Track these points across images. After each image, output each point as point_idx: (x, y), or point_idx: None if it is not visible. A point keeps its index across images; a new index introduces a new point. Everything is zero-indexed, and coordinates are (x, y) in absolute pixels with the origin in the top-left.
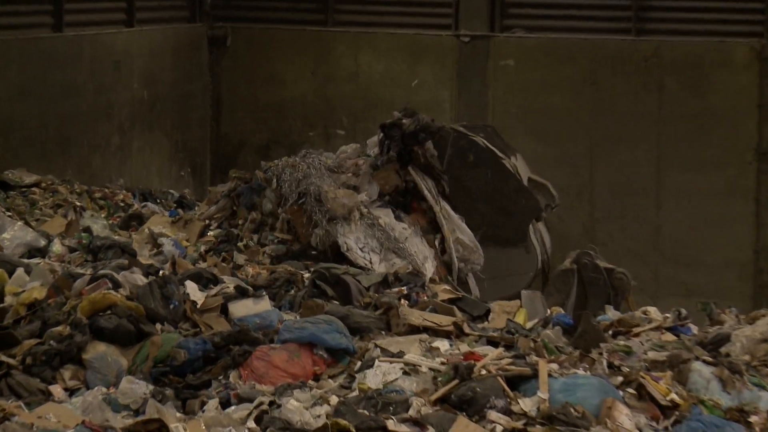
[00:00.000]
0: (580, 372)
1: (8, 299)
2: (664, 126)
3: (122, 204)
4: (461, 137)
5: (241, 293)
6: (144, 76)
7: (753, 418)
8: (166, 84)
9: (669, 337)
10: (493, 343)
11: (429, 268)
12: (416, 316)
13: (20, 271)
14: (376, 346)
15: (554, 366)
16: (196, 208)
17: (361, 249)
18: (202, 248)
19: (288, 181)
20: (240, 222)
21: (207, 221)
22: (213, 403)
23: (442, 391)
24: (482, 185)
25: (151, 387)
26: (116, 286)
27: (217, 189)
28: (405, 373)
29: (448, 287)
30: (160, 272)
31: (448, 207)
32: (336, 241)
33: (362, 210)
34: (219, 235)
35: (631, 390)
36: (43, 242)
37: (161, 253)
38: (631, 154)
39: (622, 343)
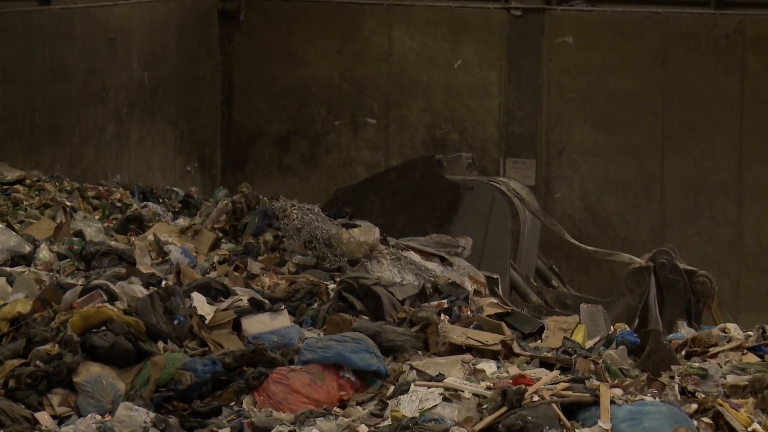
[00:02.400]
0: (648, 398)
1: None
2: (746, 113)
3: (119, 204)
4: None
5: (256, 307)
6: (144, 55)
7: None
8: (170, 65)
9: (751, 358)
10: (547, 364)
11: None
12: (458, 334)
13: (2, 281)
14: (412, 368)
15: (618, 391)
16: (198, 213)
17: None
18: (215, 259)
19: (287, 230)
20: (252, 241)
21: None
22: None
23: (487, 420)
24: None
25: (152, 414)
26: (112, 298)
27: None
28: (445, 399)
29: (495, 300)
30: (163, 283)
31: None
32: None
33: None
34: (234, 250)
35: (706, 419)
36: (28, 248)
37: (167, 262)
38: (707, 146)
39: (696, 365)
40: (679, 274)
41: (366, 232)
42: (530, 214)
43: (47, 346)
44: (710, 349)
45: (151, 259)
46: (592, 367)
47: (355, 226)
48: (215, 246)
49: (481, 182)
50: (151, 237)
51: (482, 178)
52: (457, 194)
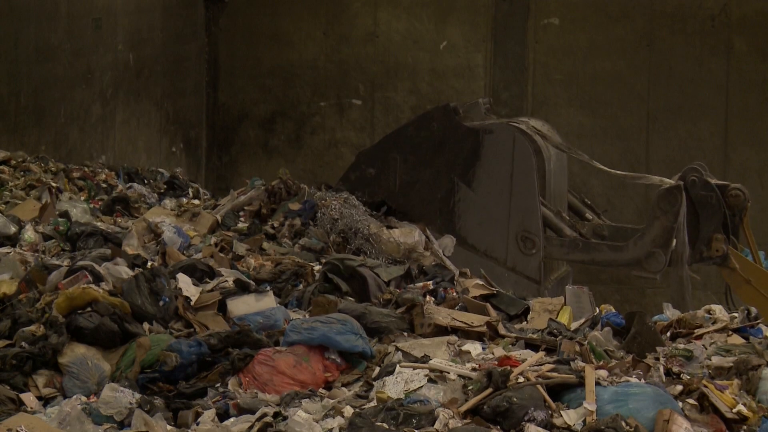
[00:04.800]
0: (633, 380)
1: None
2: (731, 95)
3: (104, 185)
4: (346, 178)
5: (242, 288)
6: (129, 36)
7: None
8: (155, 45)
9: (736, 339)
10: (532, 346)
11: None
12: (443, 315)
13: None
14: (398, 349)
15: (603, 373)
16: (225, 197)
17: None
18: (213, 240)
19: (322, 219)
20: (275, 223)
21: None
22: (209, 415)
23: (473, 401)
24: (402, 169)
25: (137, 396)
26: (97, 279)
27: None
28: (430, 380)
29: (480, 281)
30: (149, 264)
31: None
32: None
33: (421, 248)
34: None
35: (691, 400)
36: (13, 229)
37: (161, 243)
38: (693, 127)
39: (681, 346)
40: (711, 190)
41: (407, 234)
42: (554, 150)
43: (32, 327)
44: (695, 331)
45: (145, 242)
46: (578, 348)
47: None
48: (214, 230)
49: (500, 125)
50: (150, 219)
51: (501, 120)
52: (477, 140)
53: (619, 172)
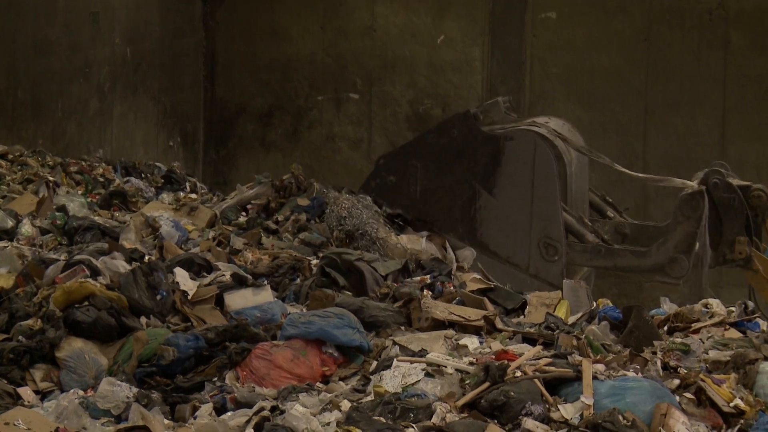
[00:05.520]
0: (630, 374)
1: None
2: (729, 89)
3: (102, 179)
4: (367, 185)
5: (239, 282)
6: (127, 30)
7: None
8: (153, 40)
9: (733, 333)
10: (529, 340)
11: None
12: (441, 309)
13: None
14: (395, 343)
15: (600, 367)
16: (233, 192)
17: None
18: (211, 234)
19: (329, 216)
20: (280, 218)
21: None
22: (206, 409)
23: (470, 395)
24: (422, 176)
25: (134, 390)
26: (95, 273)
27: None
28: (428, 374)
29: (477, 275)
30: (146, 258)
31: None
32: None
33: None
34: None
35: (688, 394)
36: (10, 223)
37: (159, 238)
38: (690, 122)
39: (679, 340)
40: (733, 192)
41: (414, 241)
42: (575, 152)
43: (30, 321)
44: (692, 325)
45: (143, 237)
46: (575, 342)
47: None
48: (213, 224)
49: (520, 131)
50: (148, 214)
51: (520, 123)
52: (498, 146)
53: (641, 174)
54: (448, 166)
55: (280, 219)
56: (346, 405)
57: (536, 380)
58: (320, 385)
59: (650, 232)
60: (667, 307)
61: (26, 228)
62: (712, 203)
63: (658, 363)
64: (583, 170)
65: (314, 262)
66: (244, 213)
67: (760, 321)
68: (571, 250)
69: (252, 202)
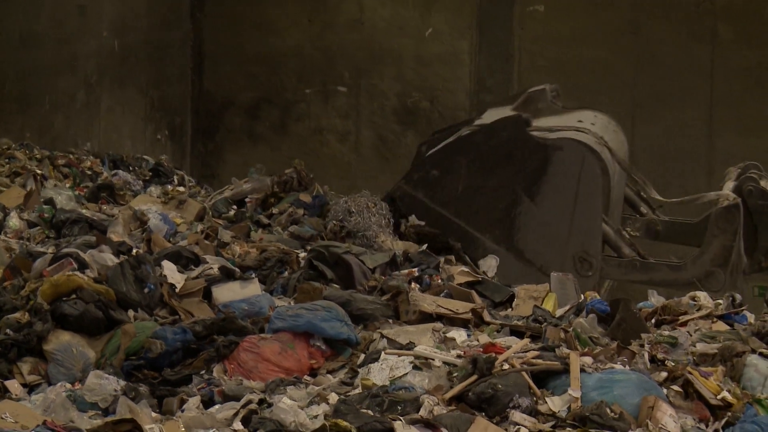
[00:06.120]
0: (618, 366)
1: None
2: (716, 81)
3: (89, 172)
4: (409, 177)
5: (227, 275)
6: (114, 23)
7: None
8: (140, 32)
9: (721, 326)
10: (517, 333)
11: None
12: (429, 302)
13: None
14: (383, 336)
15: (588, 360)
16: (228, 186)
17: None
18: (200, 227)
19: (335, 208)
20: (275, 211)
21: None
22: (194, 402)
23: (457, 388)
24: (466, 175)
25: (122, 383)
26: (82, 266)
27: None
28: (415, 367)
29: (465, 268)
30: (133, 251)
31: None
32: None
33: None
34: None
35: (676, 387)
36: None
37: (146, 231)
38: (678, 114)
39: (666, 333)
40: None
41: (409, 246)
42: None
43: (17, 314)
44: (680, 318)
45: (131, 230)
46: (562, 335)
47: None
48: (202, 217)
49: (570, 142)
50: (137, 207)
51: (566, 114)
52: (546, 155)
53: (674, 199)
54: (494, 168)
55: (274, 212)
56: (333, 398)
57: (524, 373)
58: (308, 378)
59: (683, 229)
60: (655, 300)
61: (14, 221)
62: (747, 210)
63: (646, 356)
64: (621, 177)
65: (302, 255)
66: (235, 206)
67: (748, 314)
68: (606, 265)
69: (249, 196)
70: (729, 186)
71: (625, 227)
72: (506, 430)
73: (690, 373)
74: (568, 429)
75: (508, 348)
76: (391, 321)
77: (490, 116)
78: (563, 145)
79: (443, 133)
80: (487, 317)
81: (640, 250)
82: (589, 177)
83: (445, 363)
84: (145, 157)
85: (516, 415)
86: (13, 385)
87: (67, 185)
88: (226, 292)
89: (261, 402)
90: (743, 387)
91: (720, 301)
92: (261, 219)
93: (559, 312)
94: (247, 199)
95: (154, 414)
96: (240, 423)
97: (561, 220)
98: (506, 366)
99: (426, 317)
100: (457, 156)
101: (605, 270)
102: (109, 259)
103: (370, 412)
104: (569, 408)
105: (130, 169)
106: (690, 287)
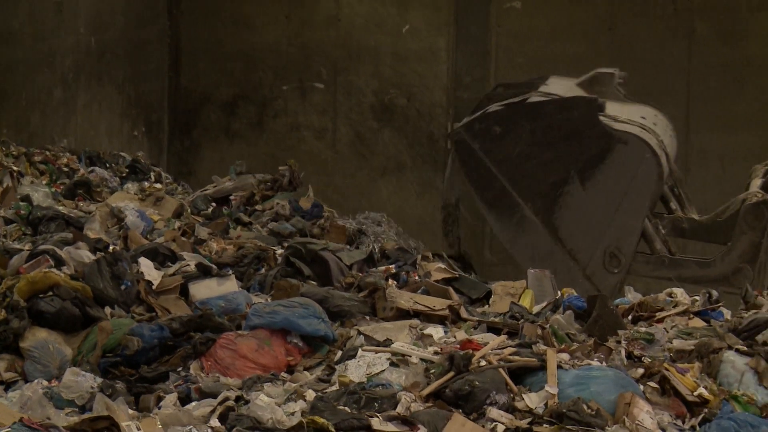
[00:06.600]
0: (595, 363)
1: None
2: (693, 78)
3: (66, 169)
4: (471, 124)
5: (204, 272)
6: (91, 19)
7: None
8: (117, 29)
9: (697, 322)
10: (494, 329)
11: None
12: (406, 299)
13: None
14: (360, 333)
15: (564, 356)
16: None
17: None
18: (177, 224)
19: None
20: (259, 208)
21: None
22: (171, 399)
23: (434, 384)
24: (526, 140)
25: (99, 380)
26: (59, 263)
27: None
28: (392, 364)
29: (442, 265)
30: (110, 248)
31: None
32: None
33: None
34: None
35: (652, 383)
36: None
37: (123, 228)
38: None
39: (643, 329)
40: None
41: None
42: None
43: None
44: (657, 314)
45: (108, 227)
46: (539, 332)
47: None
48: (180, 214)
49: (636, 139)
50: (114, 204)
51: (635, 122)
52: (609, 144)
53: (706, 217)
54: (555, 142)
55: (258, 209)
56: (310, 395)
57: (501, 369)
58: (285, 374)
59: (710, 227)
60: (632, 296)
61: None
62: None
63: (623, 352)
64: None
65: (279, 251)
66: (214, 204)
67: (724, 310)
68: (635, 261)
69: (234, 194)
70: (756, 183)
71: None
72: (483, 426)
73: (667, 369)
74: (545, 425)
75: (485, 345)
76: (368, 318)
77: (555, 85)
78: (628, 140)
79: (508, 89)
80: (464, 314)
81: (671, 247)
82: (644, 178)
83: (422, 360)
84: (121, 153)
85: (493, 412)
86: None
87: (44, 182)
88: (203, 289)
89: (238, 399)
90: (720, 383)
91: (696, 297)
92: (241, 217)
93: (536, 308)
94: (231, 197)
95: (131, 411)
96: (217, 420)
97: (604, 211)
98: (483, 363)
99: (403, 314)
100: (522, 120)
101: (633, 266)
102: (86, 256)
103: (347, 408)
104: (546, 404)
105: (107, 165)
106: (718, 284)
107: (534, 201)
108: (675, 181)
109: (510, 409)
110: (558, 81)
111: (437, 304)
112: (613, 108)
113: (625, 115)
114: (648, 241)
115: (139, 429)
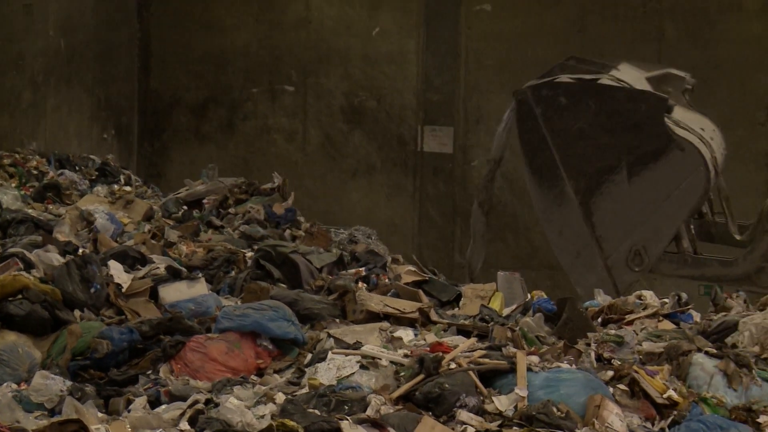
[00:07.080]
0: (564, 365)
1: None
2: None
3: (35, 172)
4: (539, 88)
5: (173, 275)
6: (60, 22)
7: (762, 418)
8: (87, 31)
9: (667, 325)
10: (464, 332)
11: None
12: (376, 302)
13: None
14: (330, 335)
15: (534, 359)
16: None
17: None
18: (147, 227)
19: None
20: (232, 211)
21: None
22: (140, 402)
23: (404, 387)
24: (588, 119)
25: (68, 383)
26: (28, 266)
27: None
28: (362, 366)
29: (412, 268)
30: (80, 251)
31: None
32: None
33: None
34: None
35: (622, 386)
36: None
37: (93, 231)
38: None
39: (612, 332)
40: None
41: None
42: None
43: None
44: (626, 317)
45: (78, 230)
46: (509, 334)
47: None
48: (150, 216)
49: (694, 149)
50: (84, 207)
51: (695, 131)
52: (666, 146)
53: (746, 235)
54: (615, 129)
55: (231, 212)
56: (280, 398)
57: (471, 372)
58: (255, 377)
59: (737, 231)
60: (601, 299)
61: None
62: None
63: (592, 355)
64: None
65: (249, 254)
66: (185, 207)
67: (694, 312)
68: (659, 260)
69: (207, 197)
70: None
71: None
72: (453, 429)
73: (636, 371)
74: (514, 428)
75: (455, 347)
76: (338, 320)
77: (626, 73)
78: (686, 147)
79: (580, 63)
80: (434, 316)
81: (696, 247)
82: (690, 188)
83: (392, 362)
84: (91, 156)
85: (463, 415)
86: None
87: (13, 185)
88: (173, 292)
89: (208, 402)
90: (689, 385)
91: (666, 300)
92: (213, 220)
93: (506, 311)
94: (204, 201)
95: (100, 414)
96: (187, 423)
97: (643, 209)
98: (453, 365)
99: (373, 317)
100: (589, 98)
101: (658, 265)
102: (56, 258)
103: (317, 411)
104: (516, 407)
105: (77, 168)
106: (741, 283)
107: (578, 180)
108: (719, 192)
109: (480, 411)
110: (629, 69)
111: (407, 306)
112: (678, 113)
113: (687, 122)
114: (676, 238)
115: None
